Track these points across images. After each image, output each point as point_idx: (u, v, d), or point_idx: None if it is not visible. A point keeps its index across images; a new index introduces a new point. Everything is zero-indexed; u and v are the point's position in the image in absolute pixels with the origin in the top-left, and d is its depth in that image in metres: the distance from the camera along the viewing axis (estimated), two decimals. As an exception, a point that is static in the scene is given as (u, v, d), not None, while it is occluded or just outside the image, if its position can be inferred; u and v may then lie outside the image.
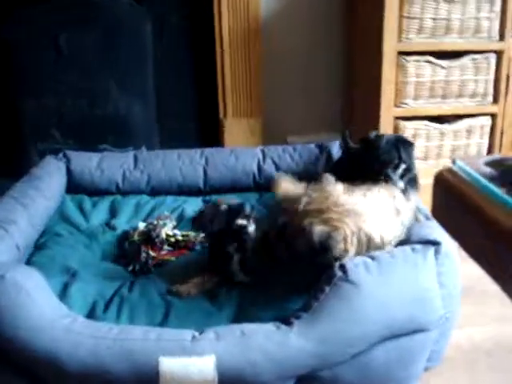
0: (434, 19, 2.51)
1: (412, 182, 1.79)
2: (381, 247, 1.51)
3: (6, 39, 2.68)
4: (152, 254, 1.84)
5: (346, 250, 1.48)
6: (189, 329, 1.37)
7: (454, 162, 0.92)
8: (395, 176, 1.73)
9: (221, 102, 2.88)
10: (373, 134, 1.86)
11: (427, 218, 1.68)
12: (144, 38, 2.75)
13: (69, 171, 2.29)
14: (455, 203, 0.71)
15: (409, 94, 2.58)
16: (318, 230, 1.48)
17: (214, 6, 2.75)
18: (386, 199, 1.59)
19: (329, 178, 1.67)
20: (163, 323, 1.50)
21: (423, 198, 1.88)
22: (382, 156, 1.76)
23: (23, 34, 2.67)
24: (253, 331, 1.34)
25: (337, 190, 1.59)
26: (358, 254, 1.49)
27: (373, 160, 1.76)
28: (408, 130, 2.60)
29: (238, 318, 1.52)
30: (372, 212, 1.53)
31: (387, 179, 1.72)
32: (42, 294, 1.40)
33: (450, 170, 0.82)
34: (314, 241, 1.47)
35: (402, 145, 1.78)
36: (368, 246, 1.50)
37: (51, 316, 1.35)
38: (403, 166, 1.76)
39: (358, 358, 1.38)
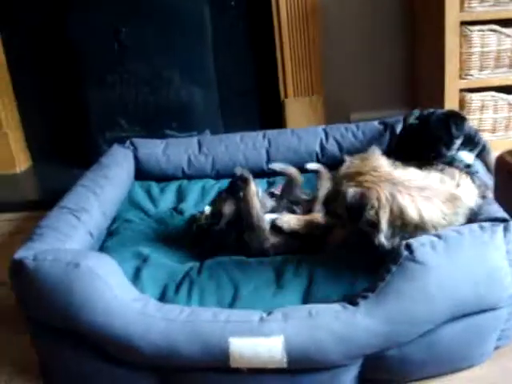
0: (497, -15, 2.43)
1: (483, 152, 1.76)
2: (421, 227, 1.48)
3: (69, 34, 2.76)
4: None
5: (377, 215, 1.47)
6: (258, 309, 1.41)
7: (516, 142, 0.89)
8: (450, 152, 1.70)
9: (281, 82, 2.87)
10: (428, 110, 1.82)
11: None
12: (202, 23, 2.78)
13: (136, 158, 2.36)
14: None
15: (474, 64, 2.51)
16: (351, 190, 1.49)
17: (271, -14, 2.73)
18: (436, 181, 1.57)
19: (375, 150, 1.66)
20: (232, 304, 1.53)
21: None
22: (433, 133, 1.73)
23: (86, 29, 2.75)
24: (320, 311, 1.36)
25: (379, 159, 1.59)
26: (392, 226, 1.48)
27: (426, 138, 1.73)
28: (474, 102, 2.53)
29: (306, 298, 1.54)
30: (412, 187, 1.51)
31: (440, 156, 1.69)
32: (115, 278, 1.46)
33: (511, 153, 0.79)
34: (347, 201, 1.48)
35: (452, 120, 1.73)
36: (402, 220, 1.48)
37: (124, 300, 1.41)
38: (458, 142, 1.72)
39: (426, 337, 1.38)
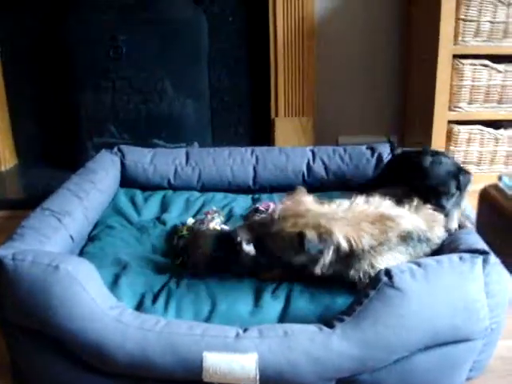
0: (491, 22, 2.47)
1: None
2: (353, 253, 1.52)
3: (65, 37, 2.77)
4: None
5: (321, 253, 1.51)
6: (234, 325, 1.41)
7: (500, 178, 0.91)
8: (449, 205, 1.71)
9: (273, 101, 2.90)
10: (428, 160, 1.80)
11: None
12: (200, 37, 2.80)
13: (123, 165, 2.35)
14: (500, 220, 0.71)
15: (464, 97, 2.55)
16: (311, 235, 1.50)
17: (269, 5, 2.76)
18: (361, 204, 1.62)
19: (301, 189, 1.69)
20: (209, 319, 1.53)
21: (476, 203, 1.86)
22: (440, 187, 1.72)
23: (82, 34, 2.76)
24: (295, 331, 1.36)
25: (306, 198, 1.63)
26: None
27: (426, 186, 1.74)
28: (462, 134, 2.56)
29: (283, 317, 1.54)
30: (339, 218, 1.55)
31: (440, 207, 1.71)
32: (93, 284, 1.45)
33: (495, 187, 0.81)
34: (307, 246, 1.50)
35: (463, 177, 1.74)
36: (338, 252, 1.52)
37: (101, 306, 1.40)
38: (457, 194, 1.74)
39: (400, 364, 1.38)
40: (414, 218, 1.61)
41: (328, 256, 1.51)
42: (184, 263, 1.85)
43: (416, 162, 1.80)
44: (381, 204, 1.62)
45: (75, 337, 1.37)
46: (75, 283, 1.41)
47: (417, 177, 1.75)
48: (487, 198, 0.68)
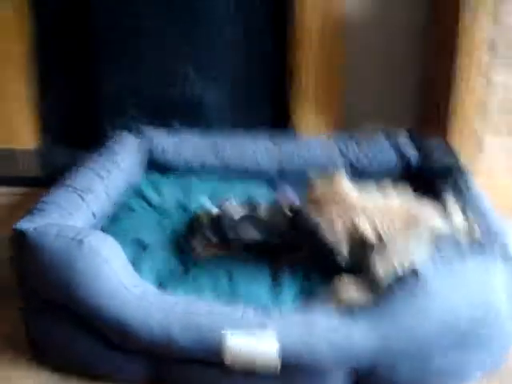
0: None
1: None
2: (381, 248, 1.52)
3: (93, 19, 2.77)
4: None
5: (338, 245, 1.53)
6: (254, 306, 1.41)
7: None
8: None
9: (297, 89, 2.88)
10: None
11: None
12: (225, 25, 2.78)
13: (146, 148, 2.34)
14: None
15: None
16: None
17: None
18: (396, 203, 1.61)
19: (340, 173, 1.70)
20: (229, 298, 1.52)
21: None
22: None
23: (109, 13, 2.74)
24: (317, 318, 1.36)
25: (342, 183, 1.65)
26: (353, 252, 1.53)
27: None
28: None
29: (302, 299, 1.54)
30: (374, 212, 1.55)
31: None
32: (118, 261, 1.46)
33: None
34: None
35: None
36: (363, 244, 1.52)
37: (125, 283, 1.41)
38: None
39: (419, 356, 1.38)
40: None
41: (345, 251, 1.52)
42: (202, 248, 1.86)
43: None
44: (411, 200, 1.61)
45: (98, 312, 1.38)
46: (99, 258, 1.41)
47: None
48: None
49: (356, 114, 3.04)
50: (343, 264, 1.54)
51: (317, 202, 1.60)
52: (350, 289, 1.49)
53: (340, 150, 2.31)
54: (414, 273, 1.39)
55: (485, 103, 2.42)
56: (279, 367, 1.32)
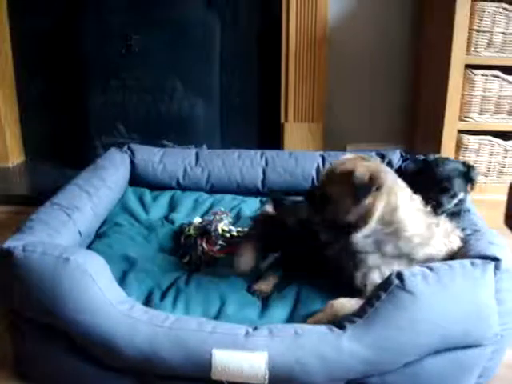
0: (504, 34, 2.47)
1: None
2: (398, 231, 1.53)
3: (77, 35, 2.77)
4: (206, 247, 1.87)
5: (374, 202, 1.50)
6: (243, 324, 1.40)
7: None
8: (449, 205, 1.72)
9: (283, 105, 2.89)
10: (432, 156, 1.84)
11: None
12: (213, 39, 2.80)
13: (132, 164, 2.35)
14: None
15: (474, 108, 2.55)
16: (360, 171, 1.51)
17: (283, 10, 2.77)
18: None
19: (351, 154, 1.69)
20: (218, 316, 1.52)
21: (484, 213, 1.86)
22: (444, 183, 1.74)
23: (95, 32, 2.76)
24: (306, 332, 1.36)
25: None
26: (380, 220, 1.51)
27: (432, 182, 1.74)
28: (471, 144, 2.56)
29: (292, 316, 1.54)
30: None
31: (441, 206, 1.71)
32: (104, 278, 1.45)
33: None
34: (356, 180, 1.49)
35: (472, 175, 1.74)
36: (391, 217, 1.52)
37: (111, 300, 1.40)
38: (460, 196, 1.74)
39: (410, 367, 1.38)
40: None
41: (379, 209, 1.51)
42: (190, 262, 1.86)
43: (425, 160, 1.82)
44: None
45: (84, 330, 1.37)
46: (85, 276, 1.40)
47: (424, 172, 1.76)
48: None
49: (342, 126, 3.06)
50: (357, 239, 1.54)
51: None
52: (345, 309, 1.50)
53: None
54: (400, 279, 1.38)
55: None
56: (267, 378, 1.31)
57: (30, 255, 1.44)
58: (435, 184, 1.74)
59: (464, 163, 1.82)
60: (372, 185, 1.50)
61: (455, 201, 1.75)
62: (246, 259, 1.71)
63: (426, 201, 1.68)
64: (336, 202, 1.54)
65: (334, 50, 2.92)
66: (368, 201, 1.51)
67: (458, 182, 1.75)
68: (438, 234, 1.59)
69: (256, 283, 1.67)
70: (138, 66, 2.79)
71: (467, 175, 1.76)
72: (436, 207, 1.70)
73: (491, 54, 2.49)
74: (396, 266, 1.53)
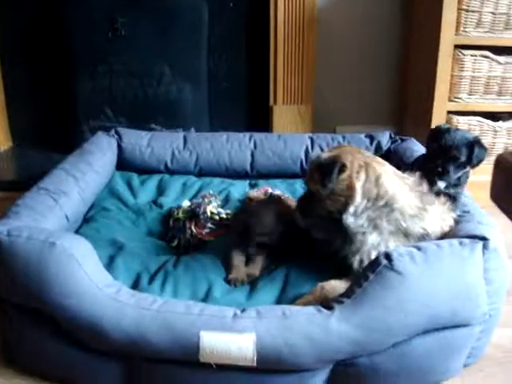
0: (493, 13, 2.46)
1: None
2: (389, 206, 1.52)
3: (63, 18, 2.73)
4: (194, 230, 1.86)
5: (351, 178, 1.51)
6: (231, 306, 1.39)
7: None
8: (455, 174, 1.69)
9: (271, 88, 2.87)
10: (447, 125, 1.78)
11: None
12: (200, 21, 2.77)
13: (119, 148, 2.33)
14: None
15: (463, 88, 2.53)
16: (324, 155, 1.55)
17: (271, -8, 2.74)
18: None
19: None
20: (206, 299, 1.51)
21: (474, 194, 1.85)
22: (453, 151, 1.69)
23: (81, 16, 2.72)
24: (294, 313, 1.35)
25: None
26: (366, 196, 1.52)
27: (440, 150, 1.71)
28: (460, 125, 2.55)
29: (280, 299, 1.53)
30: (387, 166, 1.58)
31: (446, 174, 1.69)
32: (90, 262, 1.43)
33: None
34: (321, 163, 1.52)
35: (478, 147, 1.71)
36: (378, 190, 1.52)
37: (97, 284, 1.38)
38: (467, 169, 1.72)
39: (398, 347, 1.38)
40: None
41: (360, 185, 1.52)
42: (179, 246, 1.85)
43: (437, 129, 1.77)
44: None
45: (70, 314, 1.36)
46: (71, 260, 1.39)
47: (435, 139, 1.73)
48: (504, 164, 0.66)
49: (331, 108, 3.05)
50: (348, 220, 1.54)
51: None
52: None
53: (320, 148, 2.31)
54: (388, 259, 1.38)
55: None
56: (255, 359, 1.30)
57: (15, 240, 1.42)
58: (445, 151, 1.71)
59: (475, 138, 1.78)
60: (333, 166, 1.51)
61: (460, 173, 1.72)
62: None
63: (433, 169, 1.68)
64: (317, 195, 1.56)
65: (322, 31, 2.89)
66: (342, 183, 1.52)
67: (466, 153, 1.72)
68: (432, 212, 1.58)
69: (231, 273, 1.65)
70: (124, 50, 2.75)
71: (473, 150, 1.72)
72: (441, 175, 1.69)
73: (480, 34, 2.48)
74: (392, 243, 1.53)
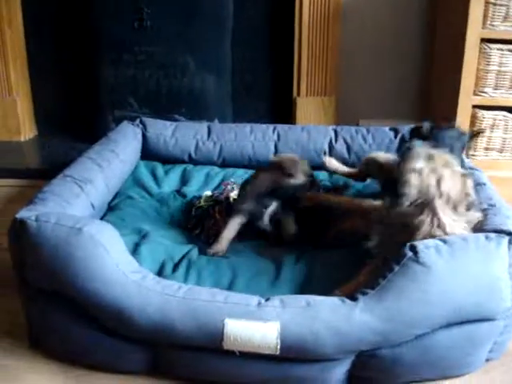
0: (521, 6, 2.43)
1: None
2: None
3: (90, 7, 2.75)
4: (218, 217, 1.87)
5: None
6: (254, 295, 1.40)
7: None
8: None
9: (295, 80, 2.87)
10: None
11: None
12: (225, 14, 2.77)
13: (144, 137, 2.35)
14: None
15: (489, 82, 2.50)
16: None
17: (296, -17, 2.74)
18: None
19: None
20: (229, 288, 1.53)
21: (499, 190, 1.84)
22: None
23: (108, 5, 2.73)
24: (318, 303, 1.36)
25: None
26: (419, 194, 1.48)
27: None
28: (486, 119, 2.52)
29: (303, 288, 1.54)
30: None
31: None
32: (116, 248, 1.45)
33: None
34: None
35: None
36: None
37: (124, 270, 1.40)
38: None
39: (421, 340, 1.37)
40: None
41: None
42: (201, 233, 1.87)
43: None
44: None
45: (96, 299, 1.38)
46: (98, 246, 1.41)
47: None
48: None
49: (355, 100, 3.04)
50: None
51: None
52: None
53: (344, 140, 2.31)
54: (414, 251, 1.37)
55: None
56: (279, 348, 1.31)
57: (43, 225, 1.44)
58: None
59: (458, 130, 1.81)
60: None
61: None
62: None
63: None
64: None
65: (347, 23, 2.88)
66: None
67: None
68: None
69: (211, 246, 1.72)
70: (150, 40, 2.75)
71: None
72: None
73: (507, 28, 2.44)
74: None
